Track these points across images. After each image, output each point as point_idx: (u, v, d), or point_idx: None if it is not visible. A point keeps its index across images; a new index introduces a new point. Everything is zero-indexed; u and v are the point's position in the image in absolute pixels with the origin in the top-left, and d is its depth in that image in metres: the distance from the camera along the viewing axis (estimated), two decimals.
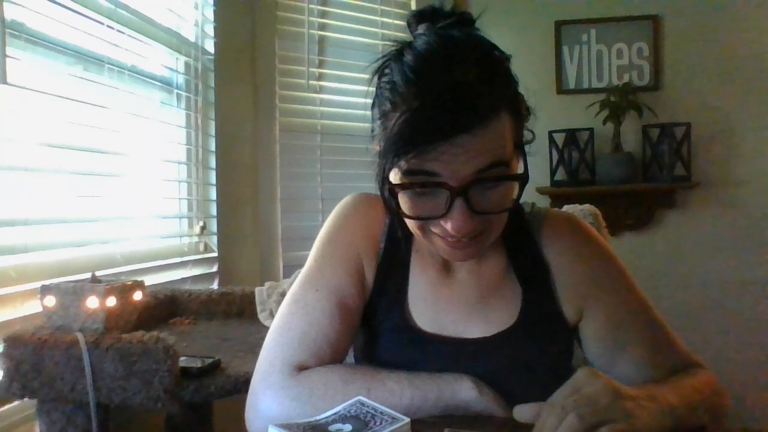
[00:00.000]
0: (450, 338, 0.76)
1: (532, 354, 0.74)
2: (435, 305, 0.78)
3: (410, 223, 0.71)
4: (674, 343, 0.77)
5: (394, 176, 0.66)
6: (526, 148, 0.71)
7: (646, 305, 0.79)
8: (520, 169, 0.69)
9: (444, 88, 0.62)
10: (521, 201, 0.84)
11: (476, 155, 0.62)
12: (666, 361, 0.75)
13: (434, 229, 0.68)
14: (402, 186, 0.65)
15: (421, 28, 0.72)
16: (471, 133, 0.61)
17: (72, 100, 1.27)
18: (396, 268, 0.80)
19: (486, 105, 0.62)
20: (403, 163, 0.63)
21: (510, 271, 0.79)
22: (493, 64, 0.66)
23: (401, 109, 0.64)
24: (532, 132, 0.73)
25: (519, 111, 0.69)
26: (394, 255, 0.80)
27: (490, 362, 0.73)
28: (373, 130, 0.72)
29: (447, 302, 0.78)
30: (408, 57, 0.66)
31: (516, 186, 0.68)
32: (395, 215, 0.74)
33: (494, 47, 0.68)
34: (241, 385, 0.95)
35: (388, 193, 0.67)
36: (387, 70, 0.68)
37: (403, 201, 0.67)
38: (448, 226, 0.64)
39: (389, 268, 0.80)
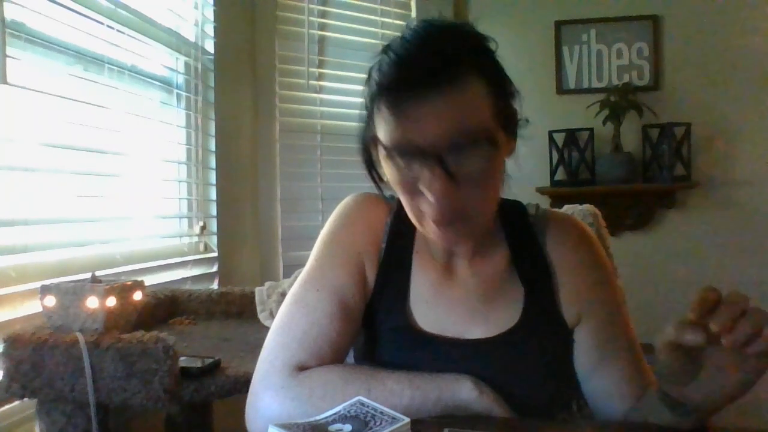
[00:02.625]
0: (451, 339, 0.75)
1: (532, 355, 0.74)
2: (436, 305, 0.77)
3: (404, 204, 0.71)
4: (644, 362, 0.78)
5: (379, 154, 0.69)
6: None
7: (629, 324, 0.80)
8: (509, 152, 0.71)
9: (420, 58, 0.64)
10: (526, 203, 0.84)
11: (448, 117, 0.62)
12: (640, 380, 0.76)
13: (423, 210, 0.68)
14: (386, 153, 0.67)
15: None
16: (440, 92, 0.62)
17: (72, 100, 1.27)
18: (397, 268, 0.80)
19: (457, 68, 0.63)
20: (380, 127, 0.66)
21: (513, 271, 0.79)
22: (470, 38, 0.68)
23: (383, 86, 0.66)
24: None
25: (501, 86, 0.69)
26: (395, 255, 0.80)
27: (491, 363, 0.73)
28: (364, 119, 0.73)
29: (448, 303, 0.77)
30: (394, 44, 0.68)
31: (499, 159, 0.68)
32: (379, 187, 0.75)
33: (478, 33, 0.70)
34: (241, 385, 0.95)
35: (370, 168, 0.71)
36: (377, 64, 0.70)
37: (390, 174, 0.69)
38: (429, 196, 0.64)
39: (390, 268, 0.80)
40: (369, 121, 0.70)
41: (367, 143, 0.72)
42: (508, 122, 0.70)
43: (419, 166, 0.64)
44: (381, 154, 0.68)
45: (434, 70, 0.62)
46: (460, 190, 0.64)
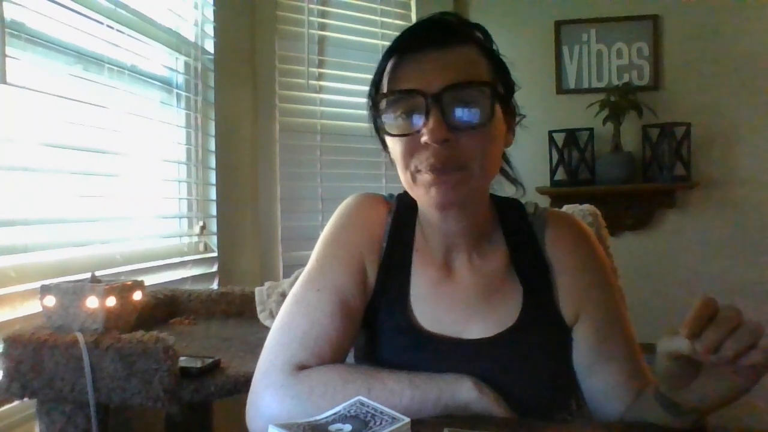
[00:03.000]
0: (450, 338, 0.76)
1: (532, 354, 0.74)
2: (435, 305, 0.77)
3: (401, 168, 0.73)
4: (642, 361, 0.79)
5: (383, 111, 0.72)
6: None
7: (628, 323, 0.80)
8: (507, 141, 0.77)
9: (425, 26, 0.73)
10: (525, 202, 0.85)
11: (446, 69, 0.68)
12: (638, 379, 0.76)
13: (420, 163, 0.69)
14: (386, 101, 0.71)
15: None
16: (441, 49, 0.69)
17: (72, 100, 1.27)
18: (397, 267, 0.80)
19: (456, 32, 0.72)
20: (385, 86, 0.72)
21: (511, 270, 0.79)
22: (473, 23, 0.75)
23: (391, 48, 0.73)
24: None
25: (500, 70, 0.74)
26: (395, 255, 0.80)
27: (490, 363, 0.73)
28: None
29: (447, 302, 0.77)
30: None
31: (495, 125, 0.71)
32: (385, 145, 0.77)
33: (483, 26, 0.77)
34: (241, 385, 0.95)
35: (378, 123, 0.74)
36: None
37: (390, 127, 0.71)
38: (425, 137, 0.67)
39: (391, 268, 0.80)
40: (377, 92, 0.74)
41: (377, 120, 0.74)
42: (506, 106, 0.74)
43: (418, 112, 0.68)
44: (386, 116, 0.71)
45: (435, 33, 0.71)
46: (456, 138, 0.67)
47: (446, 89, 0.67)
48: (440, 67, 0.68)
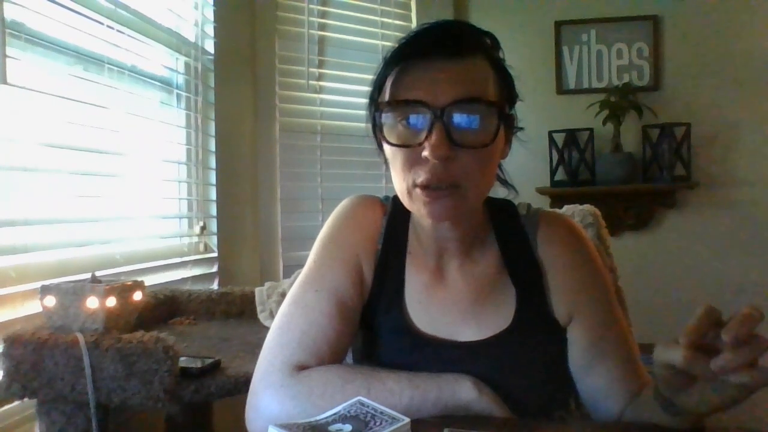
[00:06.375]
0: (445, 340, 0.76)
1: (526, 356, 0.74)
2: (429, 307, 0.77)
3: (397, 178, 0.71)
4: (639, 360, 0.78)
5: (384, 114, 0.70)
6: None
7: (622, 321, 0.80)
8: (504, 153, 0.75)
9: (433, 32, 0.70)
10: (517, 203, 0.84)
11: (455, 83, 0.66)
12: (633, 378, 0.75)
13: (416, 179, 0.68)
14: (389, 107, 0.69)
15: None
16: (450, 60, 0.67)
17: (72, 100, 1.28)
18: (392, 269, 0.80)
19: (467, 42, 0.69)
20: (389, 89, 0.70)
21: (504, 273, 0.79)
22: (482, 31, 0.73)
23: (398, 52, 0.71)
24: (522, 128, 0.78)
25: (506, 82, 0.73)
26: (390, 257, 0.80)
27: (486, 365, 0.73)
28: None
29: (441, 305, 0.77)
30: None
31: (497, 145, 0.70)
32: (381, 147, 0.75)
33: (491, 33, 0.74)
34: (241, 385, 0.95)
35: (377, 125, 0.71)
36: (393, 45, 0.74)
37: (389, 133, 0.70)
38: (427, 152, 0.65)
39: (387, 269, 0.80)
40: (379, 94, 0.73)
41: (376, 122, 0.73)
42: (508, 118, 0.72)
43: (421, 122, 0.67)
44: (386, 124, 0.70)
45: (445, 42, 0.68)
46: (457, 155, 0.66)
47: (453, 104, 0.65)
48: (448, 79, 0.66)
